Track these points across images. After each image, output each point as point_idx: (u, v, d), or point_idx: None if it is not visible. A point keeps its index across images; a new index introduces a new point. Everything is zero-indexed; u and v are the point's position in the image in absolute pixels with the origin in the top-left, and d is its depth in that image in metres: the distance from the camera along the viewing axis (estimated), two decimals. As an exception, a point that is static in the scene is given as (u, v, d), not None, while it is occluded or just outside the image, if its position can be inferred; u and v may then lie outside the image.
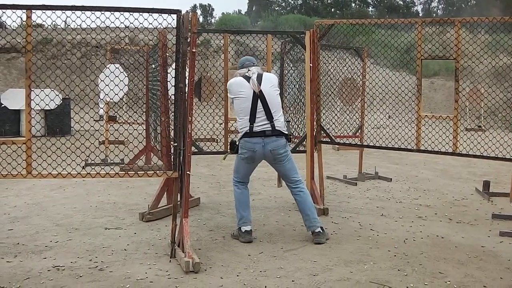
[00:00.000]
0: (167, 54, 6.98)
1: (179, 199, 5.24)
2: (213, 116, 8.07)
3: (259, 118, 5.68)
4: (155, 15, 5.18)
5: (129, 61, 9.92)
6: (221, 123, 7.61)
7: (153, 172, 5.26)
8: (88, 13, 5.07)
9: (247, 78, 5.78)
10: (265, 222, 6.49)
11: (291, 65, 8.39)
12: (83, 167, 9.36)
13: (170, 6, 5.15)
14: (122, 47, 12.80)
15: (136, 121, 10.46)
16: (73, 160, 5.31)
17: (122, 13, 5.10)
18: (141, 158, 9.51)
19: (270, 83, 5.81)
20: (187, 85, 5.11)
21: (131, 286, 4.43)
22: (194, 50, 4.99)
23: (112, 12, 5.09)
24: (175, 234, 5.14)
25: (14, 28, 5.40)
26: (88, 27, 5.32)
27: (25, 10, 4.89)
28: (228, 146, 6.04)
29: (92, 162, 9.68)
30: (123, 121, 10.69)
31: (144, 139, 9.40)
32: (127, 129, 7.45)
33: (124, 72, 9.27)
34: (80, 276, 4.63)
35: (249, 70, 5.88)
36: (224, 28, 26.61)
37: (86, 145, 5.82)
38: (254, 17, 53.10)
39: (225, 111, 7.38)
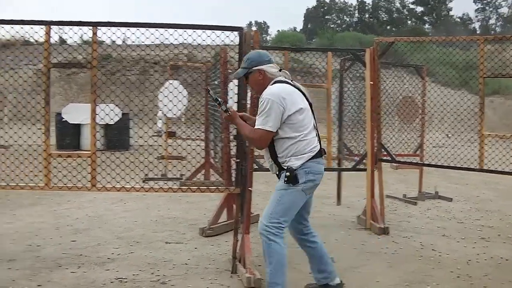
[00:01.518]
0: (229, 70, 7.04)
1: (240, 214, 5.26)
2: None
3: (317, 134, 4.41)
4: (218, 32, 5.24)
5: (190, 77, 10.04)
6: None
7: (215, 187, 5.29)
8: (152, 30, 5.17)
9: (288, 83, 4.31)
10: (325, 240, 6.37)
11: (350, 83, 8.36)
12: (143, 181, 9.48)
13: (224, 23, 5.16)
14: (184, 63, 12.95)
15: (199, 137, 10.54)
16: (137, 174, 5.39)
17: (185, 30, 5.18)
18: (200, 173, 9.57)
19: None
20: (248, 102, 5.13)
21: (193, 301, 4.46)
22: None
23: (175, 29, 5.16)
24: (236, 250, 5.15)
25: (80, 44, 5.54)
26: (152, 43, 5.41)
27: (91, 27, 5.03)
28: (285, 178, 4.13)
29: (152, 177, 9.81)
30: (186, 137, 10.79)
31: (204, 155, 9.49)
32: (190, 145, 7.52)
33: (184, 88, 9.39)
34: (143, 289, 4.70)
35: (281, 70, 4.37)
36: (280, 45, 26.81)
37: (148, 160, 5.90)
38: (309, 34, 53.30)
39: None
